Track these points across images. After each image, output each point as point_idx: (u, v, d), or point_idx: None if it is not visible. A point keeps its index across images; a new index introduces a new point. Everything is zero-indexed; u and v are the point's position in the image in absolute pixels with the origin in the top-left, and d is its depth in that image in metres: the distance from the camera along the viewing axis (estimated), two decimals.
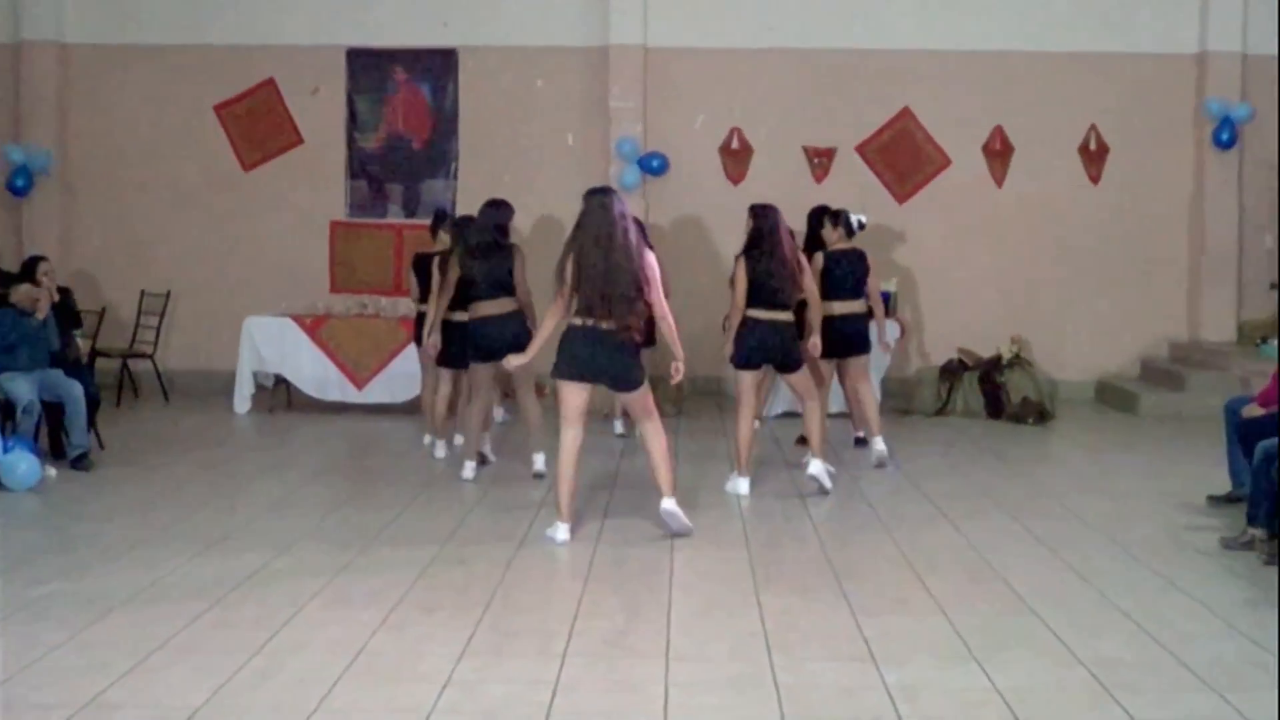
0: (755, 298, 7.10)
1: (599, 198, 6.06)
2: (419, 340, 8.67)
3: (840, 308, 8.12)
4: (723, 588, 5.36)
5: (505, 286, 7.42)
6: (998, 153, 11.68)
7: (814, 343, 7.48)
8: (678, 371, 6.20)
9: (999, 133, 11.67)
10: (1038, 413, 10.22)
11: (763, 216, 7.18)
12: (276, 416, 10.26)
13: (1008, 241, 11.68)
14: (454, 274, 7.58)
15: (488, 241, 7.41)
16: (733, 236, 11.08)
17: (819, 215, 8.69)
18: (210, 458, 8.43)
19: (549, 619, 4.87)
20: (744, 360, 7.18)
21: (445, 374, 8.39)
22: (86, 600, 5.02)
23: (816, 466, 7.23)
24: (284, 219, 11.83)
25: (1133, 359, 11.72)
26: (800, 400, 7.39)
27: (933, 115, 11.64)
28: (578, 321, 6.00)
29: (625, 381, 6.07)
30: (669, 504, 6.13)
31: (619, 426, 9.10)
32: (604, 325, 5.91)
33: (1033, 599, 5.16)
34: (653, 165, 11.48)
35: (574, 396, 6.06)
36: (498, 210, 7.54)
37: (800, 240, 8.08)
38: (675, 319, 6.28)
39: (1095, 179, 11.67)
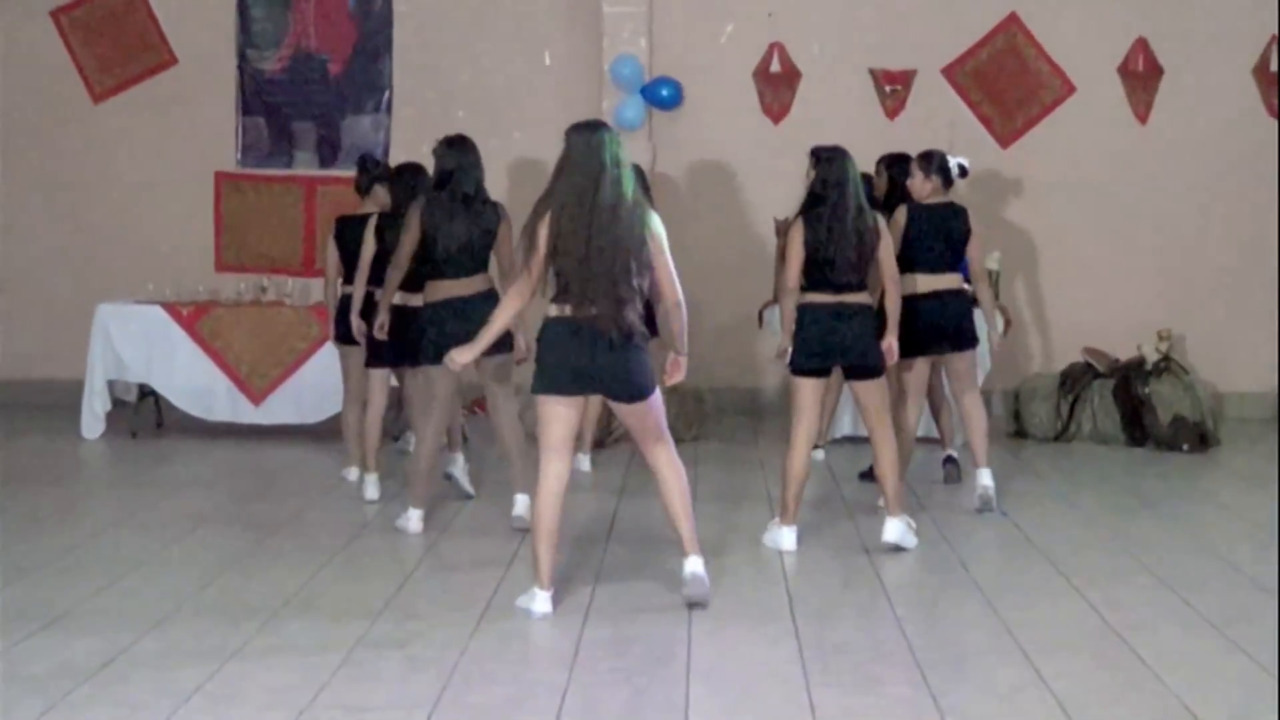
0: (815, 276, 7.13)
1: (585, 136, 6.10)
2: (340, 334, 8.65)
3: (928, 283, 8.01)
4: (760, 679, 5.36)
5: (481, 260, 7.49)
6: (1140, 76, 11.70)
7: (889, 344, 7.44)
8: (675, 368, 6.23)
9: (1141, 48, 11.69)
10: (1195, 436, 10.24)
11: (829, 163, 7.19)
12: (141, 443, 10.27)
13: (1153, 200, 11.69)
14: (411, 239, 7.49)
15: (468, 195, 7.44)
16: (771, 193, 11.15)
17: (894, 165, 8.70)
18: (48, 500, 8.42)
19: None
20: (805, 364, 7.21)
21: (379, 380, 8.37)
22: None
23: (894, 530, 7.22)
24: (150, 169, 11.85)
25: None
26: (868, 422, 7.33)
27: (1050, 24, 11.66)
28: (556, 311, 6.04)
29: (628, 387, 6.08)
30: (695, 566, 6.16)
31: (585, 463, 9.11)
32: (590, 315, 5.96)
33: (1195, 698, 5.13)
34: (661, 95, 11.50)
35: (561, 415, 6.10)
36: (472, 153, 7.54)
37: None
38: (690, 308, 6.30)
39: (1277, 112, 11.69)
